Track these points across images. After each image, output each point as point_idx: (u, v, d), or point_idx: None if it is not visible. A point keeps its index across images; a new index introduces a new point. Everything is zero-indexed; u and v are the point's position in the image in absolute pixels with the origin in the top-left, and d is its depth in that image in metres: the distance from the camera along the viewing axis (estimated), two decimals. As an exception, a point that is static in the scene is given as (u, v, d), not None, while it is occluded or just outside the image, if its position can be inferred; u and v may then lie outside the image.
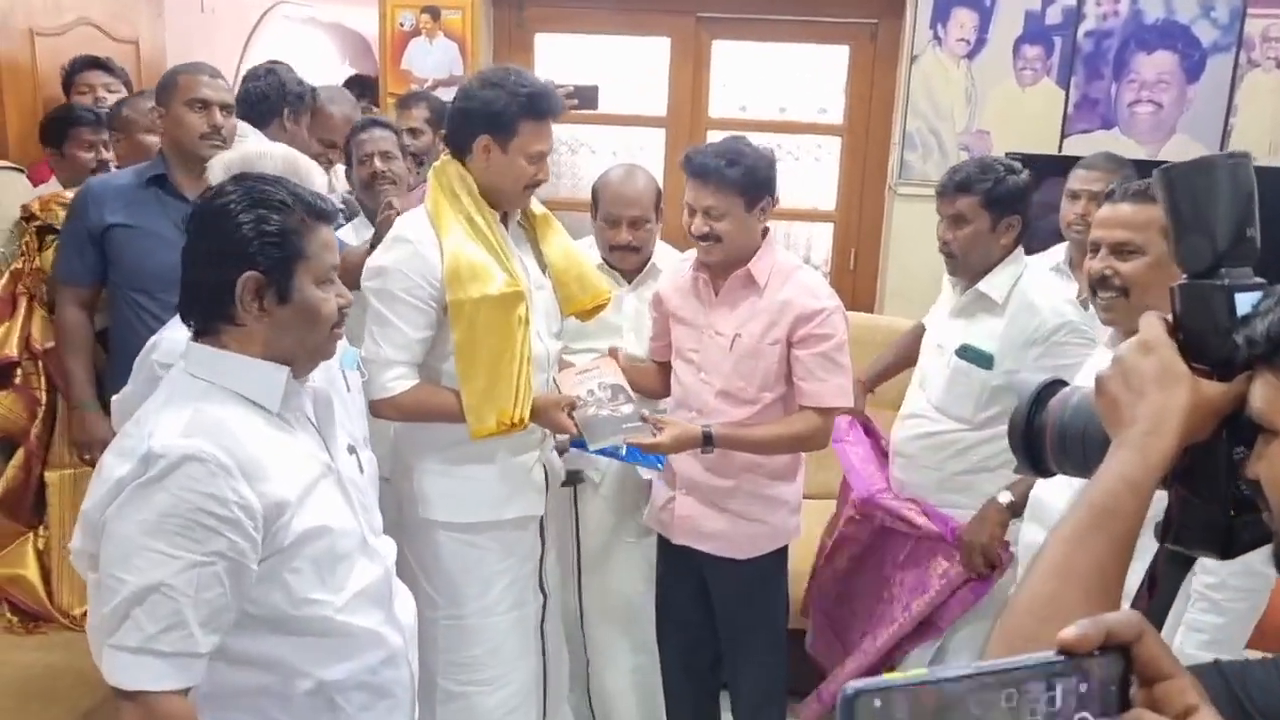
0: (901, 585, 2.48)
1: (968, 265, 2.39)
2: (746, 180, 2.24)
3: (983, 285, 2.37)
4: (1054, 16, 3.62)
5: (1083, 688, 0.58)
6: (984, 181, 2.33)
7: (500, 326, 2.11)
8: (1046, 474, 0.96)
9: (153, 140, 2.81)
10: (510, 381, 2.12)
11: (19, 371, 2.67)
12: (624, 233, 2.54)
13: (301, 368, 1.49)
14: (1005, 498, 2.32)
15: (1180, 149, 3.61)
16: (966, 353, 2.37)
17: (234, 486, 1.29)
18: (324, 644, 1.43)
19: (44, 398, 2.68)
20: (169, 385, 1.41)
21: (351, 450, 1.65)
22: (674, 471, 2.45)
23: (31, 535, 2.69)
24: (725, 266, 2.35)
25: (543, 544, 2.40)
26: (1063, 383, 0.96)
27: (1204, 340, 0.84)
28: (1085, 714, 0.58)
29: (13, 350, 2.64)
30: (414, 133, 3.25)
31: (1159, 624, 0.80)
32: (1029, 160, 3.57)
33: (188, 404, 1.34)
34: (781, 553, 2.50)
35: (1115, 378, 0.84)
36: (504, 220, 2.23)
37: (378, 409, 2.14)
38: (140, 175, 2.57)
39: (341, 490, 1.50)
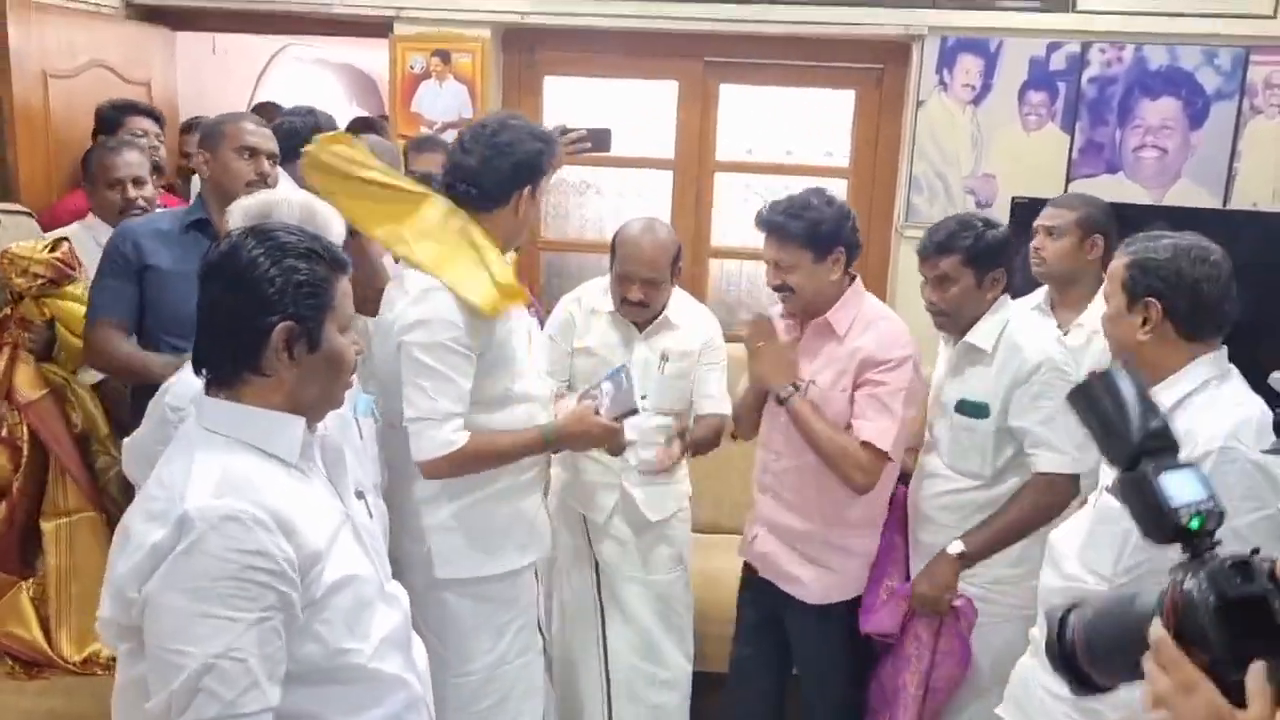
0: (882, 683, 2.49)
1: (957, 322, 2.40)
2: (810, 233, 2.32)
3: (970, 337, 2.37)
4: (1058, 63, 3.66)
5: None
6: (964, 239, 2.33)
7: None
8: (1100, 689, 1.00)
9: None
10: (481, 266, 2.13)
11: (2, 423, 2.63)
12: (636, 291, 2.57)
13: (316, 417, 1.48)
14: (956, 548, 2.33)
15: (1185, 194, 3.64)
16: (964, 406, 2.37)
17: (274, 540, 1.28)
18: (353, 692, 1.41)
19: (26, 449, 2.62)
20: (186, 441, 1.39)
21: (360, 496, 1.64)
22: (756, 509, 2.57)
23: (24, 585, 2.64)
24: (808, 314, 2.43)
25: (537, 584, 2.41)
26: (1076, 606, 1.04)
27: (1153, 521, 0.97)
28: None
29: None
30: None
31: None
32: (1034, 204, 3.64)
33: (212, 461, 1.33)
34: (854, 604, 2.51)
35: None
36: None
37: (436, 468, 2.11)
38: (180, 220, 2.58)
39: (357, 537, 1.49)
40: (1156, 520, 0.96)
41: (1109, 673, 0.99)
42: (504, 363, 2.19)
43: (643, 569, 2.68)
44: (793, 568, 2.49)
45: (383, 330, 2.19)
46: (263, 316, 1.35)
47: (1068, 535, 1.97)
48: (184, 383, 1.76)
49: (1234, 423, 1.73)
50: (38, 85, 3.34)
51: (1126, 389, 1.03)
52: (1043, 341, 2.35)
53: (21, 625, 2.61)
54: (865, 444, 2.30)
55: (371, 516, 1.65)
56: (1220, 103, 3.60)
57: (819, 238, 2.33)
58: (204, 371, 1.43)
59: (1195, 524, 0.93)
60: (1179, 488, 0.96)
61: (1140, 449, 0.99)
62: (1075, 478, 2.28)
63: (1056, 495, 2.28)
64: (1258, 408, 1.79)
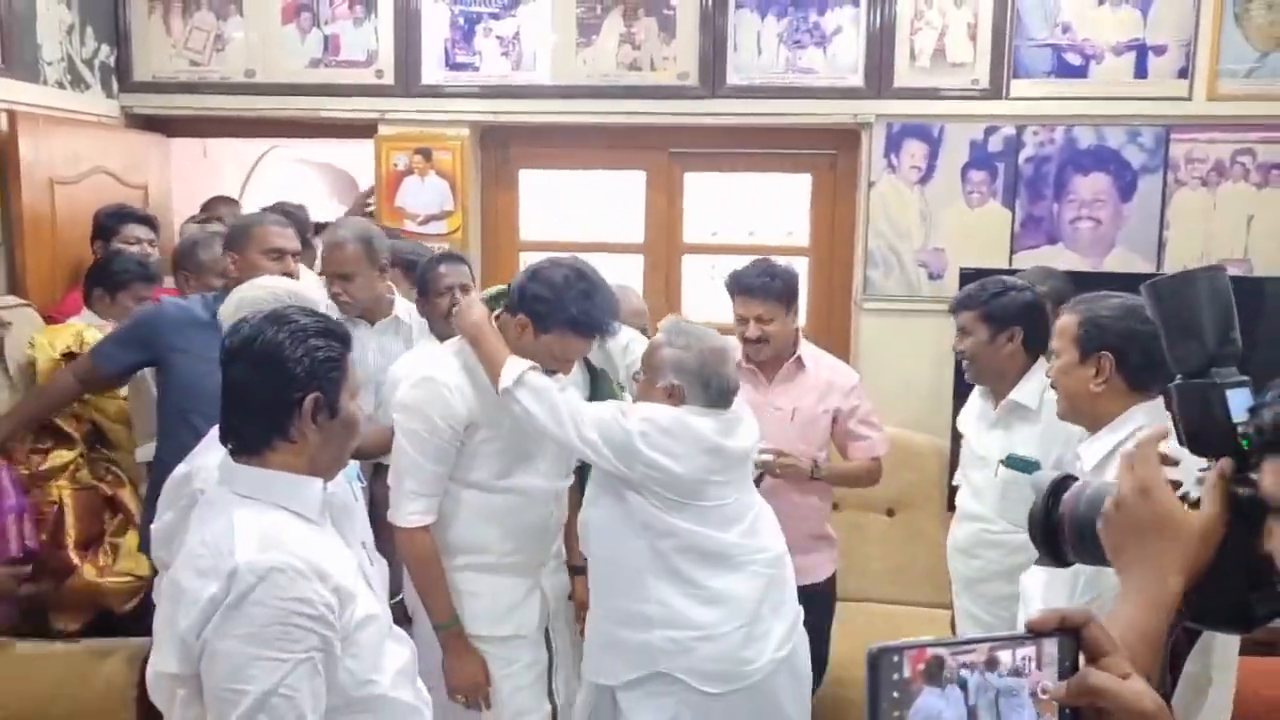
0: None
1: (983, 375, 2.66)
2: (787, 290, 2.88)
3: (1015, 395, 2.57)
4: (996, 145, 3.95)
5: (1043, 655, 0.76)
6: (981, 295, 2.62)
7: None
8: (1066, 564, 1.04)
9: (219, 283, 3.00)
10: None
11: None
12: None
13: (330, 476, 1.66)
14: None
15: (1120, 261, 3.90)
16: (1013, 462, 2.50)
17: (314, 589, 1.45)
18: None
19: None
20: (221, 505, 1.55)
21: (363, 545, 1.81)
22: None
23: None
24: (774, 359, 2.96)
25: (550, 655, 2.49)
26: (1073, 478, 1.05)
27: (1204, 434, 0.95)
28: (1043, 674, 0.76)
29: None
30: None
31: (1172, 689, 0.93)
32: (981, 273, 3.87)
33: (250, 520, 1.49)
34: None
35: (1120, 522, 0.94)
36: None
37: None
38: (208, 307, 2.71)
39: (368, 582, 1.65)
40: (1211, 432, 0.93)
41: (1083, 553, 1.00)
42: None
43: None
44: None
45: None
46: (293, 391, 1.54)
47: (1035, 576, 2.08)
48: (208, 467, 1.91)
49: None
50: (45, 192, 3.55)
51: (1211, 293, 0.98)
52: None
53: None
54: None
55: (373, 564, 1.82)
56: (1146, 176, 3.90)
57: (791, 294, 2.88)
58: (229, 443, 1.60)
59: (1246, 444, 0.90)
60: (1240, 404, 0.93)
61: (1215, 357, 0.96)
62: None
63: None
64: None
